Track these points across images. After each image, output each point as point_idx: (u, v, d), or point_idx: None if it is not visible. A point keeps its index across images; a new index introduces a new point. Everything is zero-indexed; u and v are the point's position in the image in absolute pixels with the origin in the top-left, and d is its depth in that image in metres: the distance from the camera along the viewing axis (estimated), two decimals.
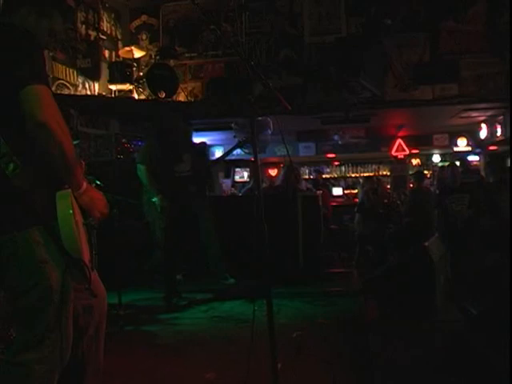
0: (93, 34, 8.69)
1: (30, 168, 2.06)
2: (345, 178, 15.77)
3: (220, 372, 3.61)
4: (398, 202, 9.48)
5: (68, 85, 7.84)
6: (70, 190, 2.10)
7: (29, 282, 2.10)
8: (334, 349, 3.98)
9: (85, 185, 2.20)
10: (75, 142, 6.10)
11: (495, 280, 5.15)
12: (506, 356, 3.25)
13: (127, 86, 8.31)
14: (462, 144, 13.88)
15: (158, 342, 4.42)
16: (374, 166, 15.52)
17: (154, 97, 8.14)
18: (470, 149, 13.92)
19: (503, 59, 8.23)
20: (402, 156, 13.89)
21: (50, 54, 7.31)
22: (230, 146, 6.35)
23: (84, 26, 8.44)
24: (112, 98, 8.45)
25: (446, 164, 9.56)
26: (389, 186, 13.65)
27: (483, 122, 11.91)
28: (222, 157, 6.86)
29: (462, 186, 6.96)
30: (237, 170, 15.26)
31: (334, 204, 11.93)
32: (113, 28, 9.45)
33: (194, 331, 4.65)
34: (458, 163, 9.31)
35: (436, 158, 15.39)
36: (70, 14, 7.55)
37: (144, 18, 9.76)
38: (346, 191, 14.81)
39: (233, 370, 3.59)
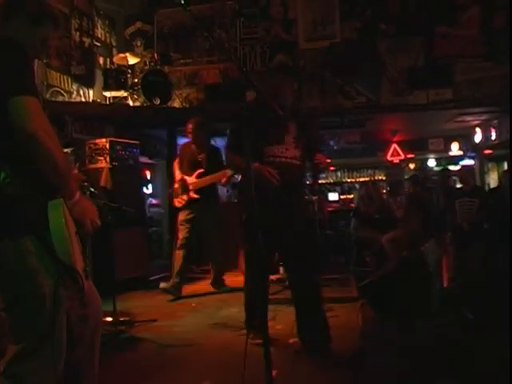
0: (87, 40, 8.68)
1: (22, 177, 2.06)
2: (341, 183, 15.78)
3: (216, 380, 3.59)
4: (394, 207, 9.47)
5: (62, 92, 7.83)
6: (62, 199, 2.09)
7: (21, 291, 2.09)
8: (331, 355, 3.96)
9: (78, 195, 2.19)
10: (70, 149, 6.10)
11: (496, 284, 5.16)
12: (505, 361, 3.25)
13: (122, 93, 8.30)
14: (455, 148, 13.91)
15: (154, 350, 4.40)
16: (369, 171, 15.55)
17: (148, 103, 8.14)
18: (461, 153, 13.95)
19: (498, 63, 8.25)
20: (398, 161, 13.90)
21: (45, 61, 7.30)
22: None
23: (78, 33, 8.43)
24: (107, 104, 8.44)
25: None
26: (384, 191, 13.67)
27: (478, 126, 11.93)
28: None
29: (473, 191, 6.97)
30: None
31: (330, 209, 11.94)
32: (107, 35, 9.44)
33: (190, 338, 4.63)
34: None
35: (431, 163, 15.42)
36: (62, 20, 7.54)
37: (138, 24, 9.75)
38: (341, 196, 14.81)
39: (229, 378, 3.58)
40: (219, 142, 10.77)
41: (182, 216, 6.53)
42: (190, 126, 6.52)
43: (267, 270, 3.81)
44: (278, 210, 3.82)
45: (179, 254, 6.45)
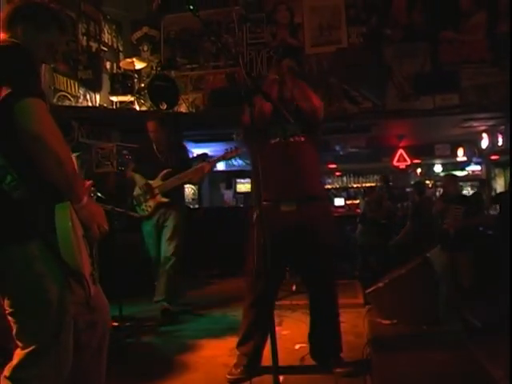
0: (94, 45, 8.72)
1: (28, 180, 2.06)
2: (346, 188, 15.77)
3: None
4: (400, 213, 9.46)
5: (69, 96, 7.85)
6: (68, 203, 2.08)
7: (27, 296, 2.08)
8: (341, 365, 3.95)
9: (85, 199, 2.18)
10: (77, 154, 6.09)
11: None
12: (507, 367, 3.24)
13: (128, 98, 8.33)
14: (461, 154, 13.91)
15: (160, 355, 4.40)
16: (375, 177, 15.53)
17: (155, 108, 8.16)
18: (465, 159, 13.94)
19: (502, 68, 8.25)
20: (404, 166, 13.89)
21: (52, 65, 7.33)
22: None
23: (85, 38, 8.47)
24: (113, 109, 8.46)
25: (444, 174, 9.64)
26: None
27: (484, 131, 11.91)
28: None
29: (459, 198, 6.96)
30: (238, 180, 15.23)
31: (336, 215, 11.92)
32: (114, 39, 9.48)
33: (196, 343, 4.62)
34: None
35: (438, 168, 15.40)
36: (68, 25, 7.56)
37: (145, 29, 9.79)
38: (347, 202, 14.79)
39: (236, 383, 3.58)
40: (223, 147, 10.82)
41: (147, 227, 5.88)
42: (150, 126, 5.90)
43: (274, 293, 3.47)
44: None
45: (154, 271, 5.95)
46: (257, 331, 3.73)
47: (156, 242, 5.85)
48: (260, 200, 2.52)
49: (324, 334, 3.86)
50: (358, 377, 3.56)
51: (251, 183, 4.10)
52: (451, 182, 7.18)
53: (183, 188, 6.23)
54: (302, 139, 3.79)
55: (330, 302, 3.86)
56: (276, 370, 2.43)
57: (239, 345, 3.87)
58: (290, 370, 3.72)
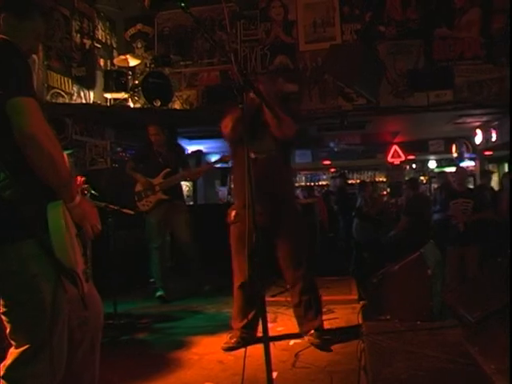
0: (88, 42, 8.69)
1: (20, 179, 2.05)
2: None
3: (217, 381, 3.60)
4: (394, 209, 9.48)
5: (63, 93, 7.83)
6: (61, 201, 2.08)
7: (21, 296, 2.08)
8: (331, 357, 3.97)
9: (78, 198, 2.18)
10: (70, 151, 6.08)
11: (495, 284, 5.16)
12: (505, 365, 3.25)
13: (122, 95, 8.31)
14: (454, 150, 13.94)
15: (154, 352, 4.40)
16: (370, 173, 15.56)
17: (149, 105, 8.15)
18: (456, 155, 13.97)
19: (498, 65, 8.27)
20: (398, 162, 13.91)
21: (45, 62, 7.31)
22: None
23: (79, 35, 8.44)
24: (107, 106, 8.44)
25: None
26: (385, 192, 13.69)
27: (478, 127, 11.94)
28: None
29: (467, 192, 6.96)
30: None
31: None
32: (108, 36, 9.45)
33: (190, 340, 4.63)
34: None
35: (432, 164, 15.43)
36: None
37: (139, 26, 9.77)
38: None
39: (230, 379, 3.58)
40: (217, 144, 10.82)
41: (151, 219, 6.32)
42: (152, 129, 6.30)
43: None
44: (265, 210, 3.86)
45: (153, 260, 6.34)
46: (249, 309, 4.13)
47: (158, 234, 6.32)
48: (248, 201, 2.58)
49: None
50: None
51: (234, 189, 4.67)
52: (463, 175, 7.17)
53: (181, 186, 6.53)
54: (275, 154, 4.20)
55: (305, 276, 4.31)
56: (269, 365, 2.44)
57: (233, 321, 4.29)
58: (283, 366, 3.73)
